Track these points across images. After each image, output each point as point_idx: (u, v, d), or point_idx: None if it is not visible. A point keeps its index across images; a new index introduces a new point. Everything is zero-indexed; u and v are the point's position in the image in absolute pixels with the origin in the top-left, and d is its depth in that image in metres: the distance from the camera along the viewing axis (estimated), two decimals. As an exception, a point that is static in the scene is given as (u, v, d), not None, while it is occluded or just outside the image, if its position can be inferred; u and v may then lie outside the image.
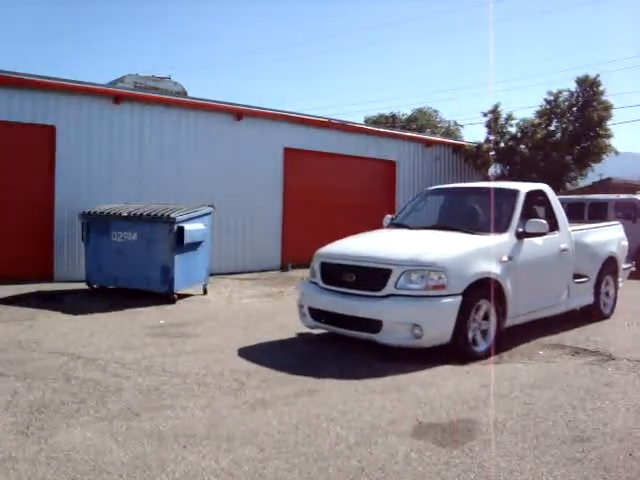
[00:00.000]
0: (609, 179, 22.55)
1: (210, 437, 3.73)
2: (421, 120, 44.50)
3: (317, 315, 6.23)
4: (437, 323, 5.54)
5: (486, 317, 5.93)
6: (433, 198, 8.02)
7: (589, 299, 7.79)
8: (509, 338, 6.56)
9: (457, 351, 5.68)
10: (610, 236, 8.48)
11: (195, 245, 9.40)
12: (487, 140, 19.37)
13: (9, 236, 10.78)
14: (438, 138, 22.16)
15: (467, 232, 6.37)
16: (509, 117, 19.52)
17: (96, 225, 9.60)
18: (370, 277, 5.79)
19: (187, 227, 8.97)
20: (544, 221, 6.58)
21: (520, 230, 6.46)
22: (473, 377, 5.13)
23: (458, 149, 19.13)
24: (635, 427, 3.97)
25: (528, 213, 6.77)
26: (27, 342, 6.24)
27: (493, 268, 5.94)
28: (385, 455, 3.48)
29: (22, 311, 8.11)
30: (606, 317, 8.05)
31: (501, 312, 6.05)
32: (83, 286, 9.91)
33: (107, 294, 9.65)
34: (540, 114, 19.23)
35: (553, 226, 6.98)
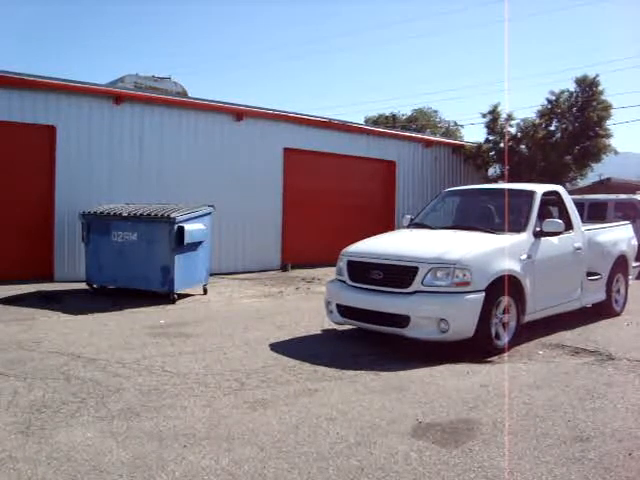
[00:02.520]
0: (609, 179, 22.53)
1: (210, 437, 3.74)
2: (421, 120, 44.50)
3: (345, 312, 6.47)
4: (462, 318, 5.74)
5: (506, 312, 6.16)
6: (451, 199, 8.32)
7: (601, 296, 7.99)
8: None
9: (480, 345, 5.93)
10: (621, 235, 8.71)
11: (195, 245, 9.40)
12: (487, 140, 19.39)
13: (9, 236, 10.79)
14: (438, 138, 22.19)
15: (487, 232, 6.63)
16: (509, 117, 19.54)
17: (96, 225, 9.60)
18: (397, 274, 6.02)
19: (187, 227, 8.97)
20: (560, 221, 6.82)
21: (537, 229, 6.74)
22: (473, 377, 5.14)
23: (458, 149, 19.15)
24: (635, 427, 3.97)
25: (544, 213, 7.05)
26: (27, 342, 6.25)
27: (513, 266, 6.21)
28: (385, 455, 3.48)
29: (22, 311, 8.11)
30: (617, 314, 8.26)
31: (520, 308, 6.32)
32: (83, 286, 9.92)
33: (107, 294, 9.65)
34: (541, 114, 19.24)
35: (567, 226, 7.21)
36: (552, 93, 19.23)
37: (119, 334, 6.76)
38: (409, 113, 46.35)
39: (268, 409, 4.25)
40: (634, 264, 9.08)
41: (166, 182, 12.32)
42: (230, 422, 3.99)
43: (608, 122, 18.67)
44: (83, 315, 7.91)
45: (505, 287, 6.07)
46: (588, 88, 18.69)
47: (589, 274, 7.64)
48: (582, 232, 7.57)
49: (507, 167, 19.42)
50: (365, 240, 7.10)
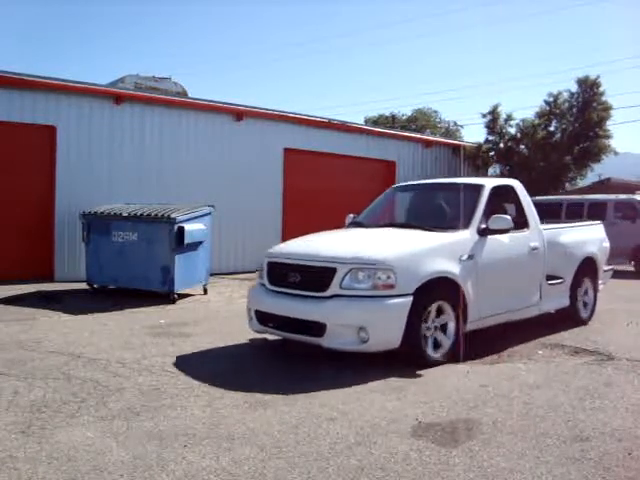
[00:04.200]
0: (608, 179, 22.55)
1: (210, 437, 3.74)
2: (421, 120, 44.51)
3: (263, 319, 5.84)
4: (384, 326, 5.15)
5: (444, 320, 5.58)
6: (400, 195, 7.65)
7: (564, 302, 7.32)
8: (508, 338, 6.58)
9: (408, 356, 5.33)
10: (589, 236, 7.99)
11: (195, 245, 9.41)
12: (486, 140, 19.41)
13: (10, 236, 10.80)
14: (438, 138, 22.20)
15: (425, 229, 6.01)
16: (508, 117, 19.57)
17: (96, 225, 9.61)
18: (314, 276, 5.42)
19: (187, 227, 8.98)
20: (508, 217, 6.14)
21: (483, 227, 6.06)
22: (473, 377, 5.14)
23: (458, 149, 19.16)
24: (634, 427, 3.97)
25: (494, 209, 6.34)
26: (28, 342, 6.25)
27: (450, 267, 5.56)
28: (385, 455, 3.49)
29: (23, 311, 8.12)
30: (584, 322, 7.56)
31: (461, 315, 5.64)
32: (83, 286, 9.93)
33: (107, 294, 9.65)
34: (540, 115, 19.27)
35: (523, 223, 6.67)
36: (550, 95, 19.28)
37: (119, 334, 6.76)
38: (409, 113, 46.39)
39: (268, 409, 4.26)
40: (605, 267, 8.32)
41: (166, 182, 12.33)
42: (230, 422, 3.99)
43: (608, 122, 18.72)
44: (83, 315, 7.92)
45: (441, 291, 5.50)
46: (589, 89, 18.73)
47: (550, 278, 6.98)
48: (540, 231, 6.86)
49: (507, 167, 19.46)
50: (294, 239, 6.54)
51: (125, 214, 9.34)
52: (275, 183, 14.41)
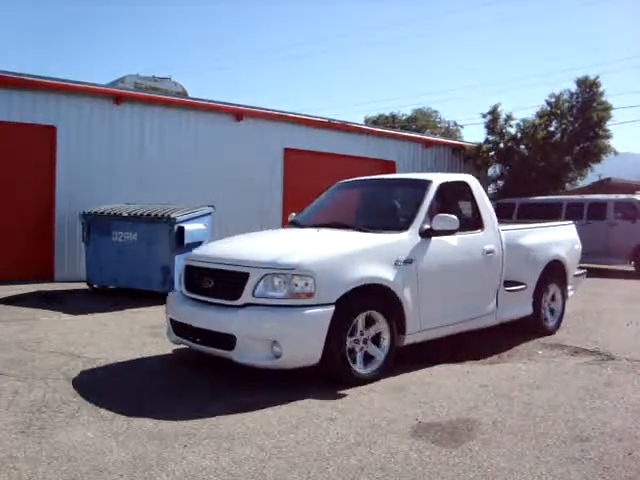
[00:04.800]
0: (608, 179, 22.56)
1: (210, 436, 3.74)
2: (421, 120, 44.52)
3: (178, 329, 5.31)
4: (301, 339, 4.57)
5: (377, 331, 5.00)
6: (344, 192, 7.04)
7: (527, 310, 6.66)
8: (506, 338, 6.57)
9: (331, 373, 4.77)
10: (557, 237, 7.29)
11: (195, 245, 9.37)
12: (486, 141, 19.41)
13: (9, 236, 10.80)
14: (438, 138, 22.20)
15: (359, 230, 5.43)
16: (509, 117, 19.57)
17: (96, 225, 9.61)
18: (227, 282, 4.88)
19: (187, 227, 8.98)
20: (453, 217, 5.43)
21: (426, 227, 5.44)
22: (473, 377, 5.14)
23: (458, 149, 19.16)
24: (634, 427, 3.98)
25: (445, 208, 5.76)
26: (28, 342, 6.25)
27: (383, 272, 4.95)
28: (385, 455, 3.49)
29: (23, 311, 8.12)
30: (549, 332, 6.94)
31: (396, 326, 5.08)
32: (83, 286, 9.93)
33: (107, 294, 9.66)
34: (540, 115, 19.28)
35: (477, 224, 6.08)
36: (552, 95, 19.28)
37: (119, 334, 6.76)
38: (409, 113, 46.39)
39: (268, 409, 4.26)
40: (576, 272, 7.67)
41: (166, 182, 12.32)
42: (230, 421, 3.99)
43: (608, 122, 18.73)
44: (83, 315, 7.92)
45: (372, 300, 4.94)
46: (589, 89, 18.74)
47: (509, 283, 6.35)
48: (497, 232, 6.19)
49: (507, 167, 19.46)
50: (221, 240, 6.12)
51: (125, 214, 9.35)
52: (275, 183, 14.41)
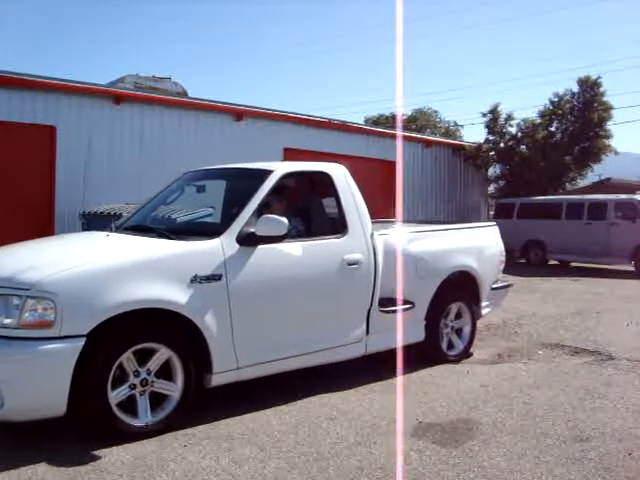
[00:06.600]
0: (609, 179, 22.57)
1: (210, 437, 3.74)
2: (421, 120, 44.52)
3: None
4: (30, 384, 3.38)
5: (168, 373, 3.87)
6: (187, 185, 5.80)
7: (417, 335, 5.32)
8: (508, 338, 6.57)
9: (95, 428, 3.68)
10: (467, 243, 5.86)
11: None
12: (487, 140, 19.43)
13: (10, 236, 10.76)
14: (438, 138, 22.21)
15: (160, 235, 4.29)
16: (509, 117, 19.58)
17: (96, 225, 9.59)
18: None
19: (187, 227, 8.96)
20: (282, 219, 4.21)
21: (249, 232, 4.22)
22: (473, 377, 5.13)
23: (458, 149, 19.17)
24: (635, 427, 3.97)
25: (287, 208, 4.74)
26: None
27: (169, 293, 3.78)
28: (385, 455, 3.49)
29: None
30: (452, 360, 5.58)
31: (195, 365, 3.95)
32: (83, 286, 9.91)
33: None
34: (541, 114, 19.31)
35: (336, 228, 4.82)
36: (556, 95, 19.29)
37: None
38: (409, 113, 46.37)
39: (268, 409, 4.25)
40: (495, 284, 6.13)
41: (166, 182, 12.30)
42: (230, 422, 3.99)
43: (608, 122, 18.74)
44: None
45: (155, 329, 3.81)
46: (590, 89, 18.75)
47: (387, 302, 4.98)
48: (368, 238, 4.87)
49: (507, 167, 19.46)
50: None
51: (125, 214, 9.34)
52: (275, 183, 14.40)
